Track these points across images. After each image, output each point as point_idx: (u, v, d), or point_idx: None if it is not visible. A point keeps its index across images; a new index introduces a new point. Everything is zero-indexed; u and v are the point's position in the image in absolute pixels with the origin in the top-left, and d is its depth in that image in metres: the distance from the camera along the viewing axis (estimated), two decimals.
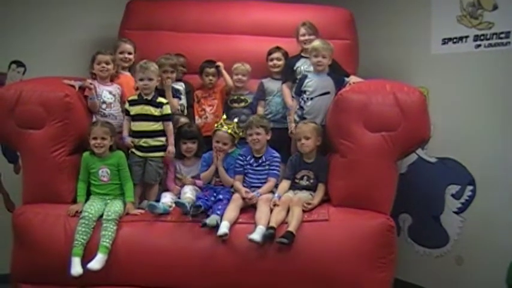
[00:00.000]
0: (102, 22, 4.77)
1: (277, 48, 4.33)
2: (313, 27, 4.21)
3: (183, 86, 4.25)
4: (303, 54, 4.26)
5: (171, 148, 3.84)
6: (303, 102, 3.98)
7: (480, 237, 4.10)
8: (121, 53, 4.16)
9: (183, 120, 4.08)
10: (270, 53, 4.35)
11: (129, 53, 4.18)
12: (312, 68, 4.07)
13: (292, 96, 4.11)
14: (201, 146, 3.96)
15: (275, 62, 4.32)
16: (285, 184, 3.77)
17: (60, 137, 3.62)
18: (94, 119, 3.83)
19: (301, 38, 4.23)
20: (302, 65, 4.22)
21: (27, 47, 4.54)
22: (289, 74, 4.23)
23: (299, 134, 3.75)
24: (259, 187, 3.73)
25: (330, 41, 4.09)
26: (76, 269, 3.28)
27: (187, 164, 4.00)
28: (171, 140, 3.85)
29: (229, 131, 3.80)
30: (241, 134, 3.88)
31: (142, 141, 3.79)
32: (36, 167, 3.63)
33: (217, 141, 3.79)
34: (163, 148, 3.84)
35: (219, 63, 4.31)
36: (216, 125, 3.86)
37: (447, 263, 4.31)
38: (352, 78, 3.93)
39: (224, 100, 4.35)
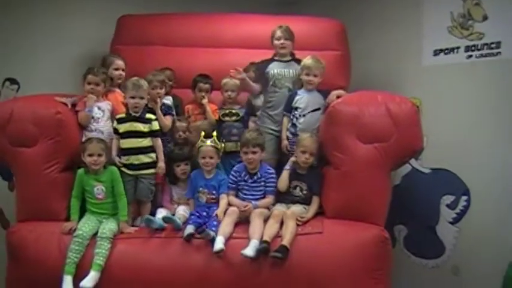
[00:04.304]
0: (94, 37, 4.78)
1: (251, 65, 4.29)
2: (289, 31, 4.14)
3: (171, 100, 4.22)
4: (275, 58, 4.19)
5: (162, 164, 3.81)
6: (295, 119, 3.96)
7: (476, 246, 4.10)
8: (116, 69, 4.14)
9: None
10: (245, 71, 4.28)
11: (123, 70, 4.17)
12: (283, 72, 4.08)
13: (284, 114, 4.07)
14: (194, 166, 3.89)
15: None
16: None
17: (52, 154, 3.61)
18: (83, 138, 3.78)
19: (276, 42, 4.15)
20: (273, 69, 4.14)
21: (20, 64, 4.56)
22: (258, 78, 4.18)
23: (305, 147, 3.71)
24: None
25: (322, 53, 4.11)
26: (67, 287, 3.27)
27: (182, 186, 3.94)
28: (161, 155, 3.82)
29: (212, 144, 3.74)
30: (223, 145, 3.83)
31: (134, 159, 3.77)
32: (29, 184, 3.62)
33: (203, 157, 3.75)
34: (153, 165, 3.80)
35: (204, 102, 4.24)
36: (198, 143, 3.80)
37: (443, 273, 4.31)
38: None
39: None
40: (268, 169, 3.82)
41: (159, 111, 3.98)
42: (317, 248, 3.35)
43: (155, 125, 3.82)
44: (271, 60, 4.19)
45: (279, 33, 4.14)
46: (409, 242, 4.53)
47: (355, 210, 3.47)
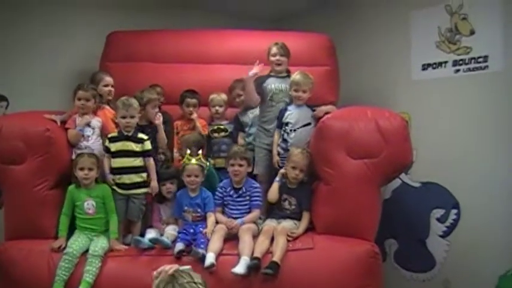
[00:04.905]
0: (84, 54, 4.79)
1: (238, 81, 4.30)
2: (285, 48, 4.15)
3: (161, 116, 4.18)
4: (272, 74, 4.19)
5: (154, 183, 3.78)
6: (286, 134, 3.95)
7: (466, 259, 4.11)
8: (105, 86, 4.14)
9: (163, 157, 4.06)
10: (231, 89, 4.35)
11: (112, 86, 4.17)
12: (281, 87, 4.08)
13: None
14: (181, 185, 3.85)
15: (237, 100, 4.35)
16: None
17: (42, 172, 3.60)
18: (73, 156, 3.75)
19: (272, 59, 4.15)
20: (271, 84, 4.12)
21: (9, 81, 4.53)
22: (257, 91, 4.14)
23: (295, 163, 3.71)
24: (239, 218, 3.69)
25: (310, 68, 4.11)
26: None
27: (169, 205, 3.89)
28: (154, 175, 3.79)
29: (198, 162, 3.71)
30: (208, 163, 3.83)
31: (126, 178, 3.74)
32: (19, 202, 3.60)
33: (189, 175, 3.72)
34: (145, 185, 3.78)
35: (194, 117, 4.26)
36: (183, 161, 3.77)
37: (434, 286, 4.32)
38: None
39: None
40: (253, 183, 3.82)
41: (161, 129, 3.99)
42: (308, 264, 3.35)
43: (147, 145, 3.80)
44: (268, 76, 4.19)
45: (274, 49, 4.15)
46: (399, 256, 4.53)
47: (345, 225, 3.47)
